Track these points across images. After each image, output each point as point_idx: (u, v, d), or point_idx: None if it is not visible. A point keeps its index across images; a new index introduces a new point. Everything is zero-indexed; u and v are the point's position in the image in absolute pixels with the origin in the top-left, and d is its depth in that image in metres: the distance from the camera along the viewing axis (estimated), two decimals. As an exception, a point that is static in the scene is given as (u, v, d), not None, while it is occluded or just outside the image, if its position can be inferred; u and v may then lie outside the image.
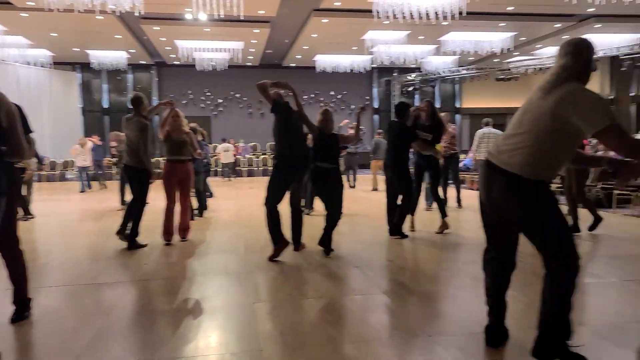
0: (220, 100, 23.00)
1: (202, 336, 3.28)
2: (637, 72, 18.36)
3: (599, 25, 15.36)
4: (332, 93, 23.31)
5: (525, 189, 2.60)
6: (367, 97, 23.91)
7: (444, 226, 6.68)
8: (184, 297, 4.10)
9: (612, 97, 20.07)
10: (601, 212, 8.43)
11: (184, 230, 6.45)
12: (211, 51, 17.72)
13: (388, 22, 12.56)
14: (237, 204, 10.88)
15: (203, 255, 5.64)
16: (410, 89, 22.08)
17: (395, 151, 6.32)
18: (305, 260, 5.23)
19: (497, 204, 2.74)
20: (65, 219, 9.06)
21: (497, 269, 2.93)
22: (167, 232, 6.22)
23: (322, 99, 22.92)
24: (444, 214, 6.67)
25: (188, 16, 14.10)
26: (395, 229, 6.38)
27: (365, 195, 11.88)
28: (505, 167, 2.64)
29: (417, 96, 23.63)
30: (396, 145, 6.32)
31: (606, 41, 16.79)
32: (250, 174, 19.83)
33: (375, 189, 12.68)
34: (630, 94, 19.90)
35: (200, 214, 8.59)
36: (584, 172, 6.70)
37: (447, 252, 5.74)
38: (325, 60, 19.77)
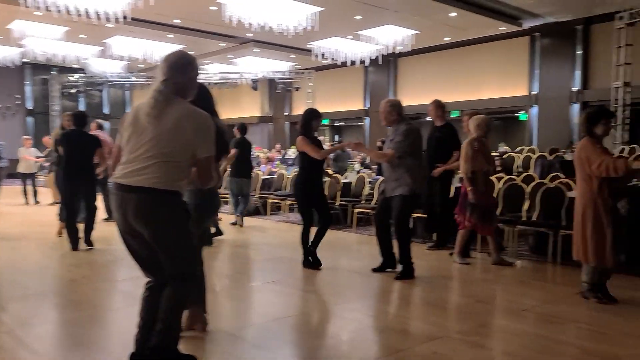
0: None
1: None
2: (289, 95, 21.26)
3: (258, 50, 17.12)
4: (-31, 87, 19.26)
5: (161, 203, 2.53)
6: (18, 96, 20.61)
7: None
8: None
9: (271, 115, 22.69)
10: (257, 219, 9.28)
11: None
12: None
13: (40, 13, 11.04)
14: None
15: None
16: (74, 91, 20.05)
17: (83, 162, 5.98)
18: None
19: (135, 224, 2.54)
20: None
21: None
22: None
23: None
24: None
25: None
26: None
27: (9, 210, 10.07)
28: (141, 184, 2.50)
29: (81, 99, 21.67)
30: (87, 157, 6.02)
31: (265, 65, 18.84)
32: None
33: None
34: (285, 114, 22.90)
35: None
36: None
37: (101, 270, 5.23)
38: (-42, 47, 16.14)
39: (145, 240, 2.53)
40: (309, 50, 15.86)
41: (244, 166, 8.08)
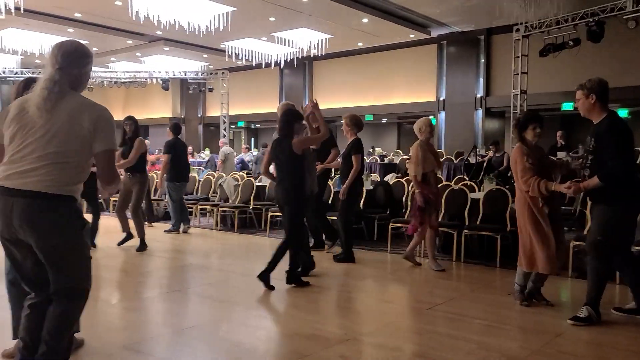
0: None
1: None
2: (202, 96, 20.68)
3: (168, 49, 16.49)
4: None
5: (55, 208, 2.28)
6: None
7: None
8: None
9: (183, 116, 21.97)
10: (162, 224, 8.86)
11: None
12: None
13: None
14: None
15: None
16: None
17: None
18: None
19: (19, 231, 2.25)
20: None
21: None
22: None
23: None
24: None
25: None
26: None
27: None
28: (30, 188, 2.22)
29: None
30: None
31: (177, 64, 18.20)
32: None
33: None
34: (198, 115, 22.25)
35: None
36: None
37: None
38: None
39: (32, 250, 2.26)
40: (223, 51, 15.55)
41: (183, 169, 7.73)
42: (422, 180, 5.24)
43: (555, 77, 12.39)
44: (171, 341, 3.34)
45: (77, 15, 13.31)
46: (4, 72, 17.95)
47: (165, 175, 7.66)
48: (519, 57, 11.79)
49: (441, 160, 7.64)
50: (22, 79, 5.06)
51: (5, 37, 14.39)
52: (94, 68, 11.75)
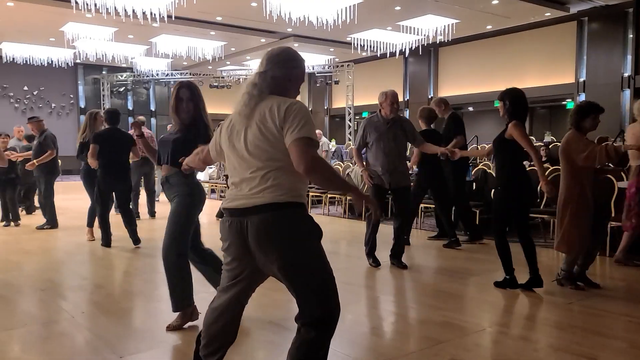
0: None
1: None
2: (328, 88, 21.34)
3: (297, 45, 17.24)
4: (26, 88, 20.20)
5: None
6: (72, 95, 21.56)
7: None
8: None
9: (310, 108, 22.86)
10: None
11: None
12: None
13: (90, 15, 11.50)
14: None
15: None
16: (122, 89, 20.82)
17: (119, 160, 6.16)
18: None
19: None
20: None
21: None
22: None
23: (12, 94, 19.68)
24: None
25: None
26: None
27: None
28: (258, 203, 2.09)
29: (130, 97, 22.43)
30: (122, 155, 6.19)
31: (306, 59, 18.91)
32: None
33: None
34: (325, 107, 23.00)
35: None
36: None
37: (147, 261, 5.47)
38: (15, 50, 16.96)
39: (262, 273, 2.24)
40: (349, 43, 15.87)
41: None
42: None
43: None
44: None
45: (218, 18, 14.48)
46: (157, 74, 20.08)
47: None
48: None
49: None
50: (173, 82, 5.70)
51: (158, 43, 16.13)
52: (230, 66, 12.89)
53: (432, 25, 14.20)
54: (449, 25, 14.05)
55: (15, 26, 14.64)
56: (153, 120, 23.29)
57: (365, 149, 5.23)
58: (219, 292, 2.35)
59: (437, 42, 15.15)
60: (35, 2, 12.50)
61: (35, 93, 20.46)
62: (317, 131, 14.52)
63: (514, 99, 4.18)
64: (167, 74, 20.14)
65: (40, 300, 4.08)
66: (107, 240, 6.09)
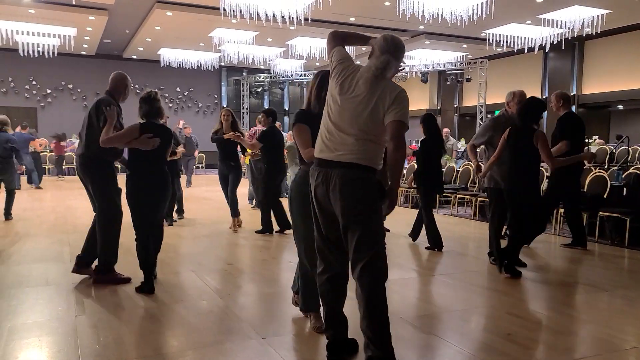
0: (49, 91, 20.74)
1: (11, 355, 2.88)
2: (459, 86, 20.74)
3: (428, 42, 17.01)
4: (178, 89, 22.46)
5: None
6: (216, 96, 23.50)
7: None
8: (-11, 315, 3.58)
9: (439, 107, 22.40)
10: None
11: None
12: (38, 36, 15.83)
13: (236, 21, 12.46)
14: (64, 205, 9.89)
15: (17, 265, 5.01)
16: (260, 89, 22.22)
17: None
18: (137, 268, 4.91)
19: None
20: None
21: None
22: None
23: (167, 94, 21.95)
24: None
25: (9, -6, 12.47)
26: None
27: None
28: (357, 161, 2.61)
29: (266, 97, 23.86)
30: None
31: (435, 57, 18.68)
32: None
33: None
34: (454, 105, 22.40)
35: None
36: None
37: (283, 253, 5.85)
38: (171, 55, 18.95)
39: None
40: (483, 39, 15.29)
41: None
42: None
43: None
44: (442, 319, 3.67)
45: (352, 19, 14.82)
46: (291, 75, 21.11)
47: None
48: None
49: None
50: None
51: (294, 45, 16.95)
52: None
53: (578, 17, 13.14)
54: (598, 16, 12.90)
55: (172, 33, 16.34)
56: (286, 119, 24.49)
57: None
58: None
59: (584, 34, 13.99)
60: (190, 11, 13.86)
61: (185, 94, 22.66)
62: (445, 130, 14.25)
63: None
64: (301, 75, 21.05)
65: (191, 280, 4.59)
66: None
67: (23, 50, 16.25)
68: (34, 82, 20.42)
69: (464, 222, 8.53)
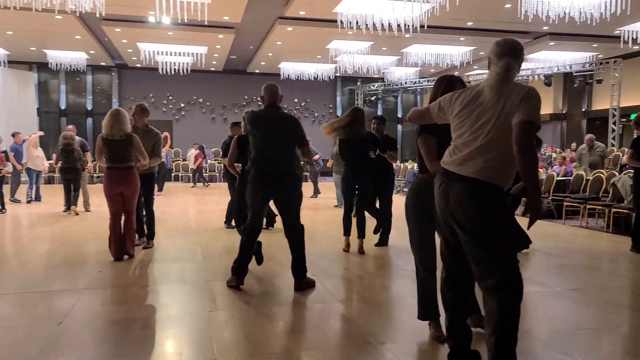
0: (183, 105, 22.72)
1: (156, 345, 3.26)
2: (588, 88, 19.20)
3: (553, 43, 16.00)
4: (296, 100, 23.39)
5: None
6: (331, 105, 24.10)
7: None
8: (139, 306, 4.07)
9: (564, 111, 20.91)
10: (552, 223, 8.83)
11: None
12: (174, 55, 17.50)
13: (352, 32, 12.74)
14: (196, 210, 10.78)
15: (159, 263, 5.59)
16: (373, 98, 22.40)
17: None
18: (265, 270, 5.25)
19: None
20: (16, 222, 8.78)
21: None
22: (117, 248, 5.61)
23: (285, 105, 22.93)
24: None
25: (151, 19, 13.91)
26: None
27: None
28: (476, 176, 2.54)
29: (380, 106, 23.99)
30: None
31: (560, 58, 17.49)
32: (211, 179, 19.58)
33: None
34: (582, 109, 20.78)
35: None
36: None
37: (399, 262, 5.87)
38: (290, 68, 19.84)
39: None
40: (616, 37, 14.05)
41: None
42: None
43: None
44: (573, 337, 3.47)
45: (469, 24, 14.43)
46: (405, 83, 21.03)
47: None
48: None
49: None
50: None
51: (409, 53, 16.91)
52: (477, 70, 12.78)
53: None
54: None
55: (292, 47, 17.11)
56: (399, 127, 24.40)
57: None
58: None
59: None
60: (309, 25, 14.44)
61: (302, 104, 23.53)
62: (589, 136, 13.18)
63: None
64: (415, 82, 20.87)
65: (318, 283, 4.79)
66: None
67: (162, 69, 18.08)
68: (170, 97, 22.51)
69: (596, 235, 7.90)
